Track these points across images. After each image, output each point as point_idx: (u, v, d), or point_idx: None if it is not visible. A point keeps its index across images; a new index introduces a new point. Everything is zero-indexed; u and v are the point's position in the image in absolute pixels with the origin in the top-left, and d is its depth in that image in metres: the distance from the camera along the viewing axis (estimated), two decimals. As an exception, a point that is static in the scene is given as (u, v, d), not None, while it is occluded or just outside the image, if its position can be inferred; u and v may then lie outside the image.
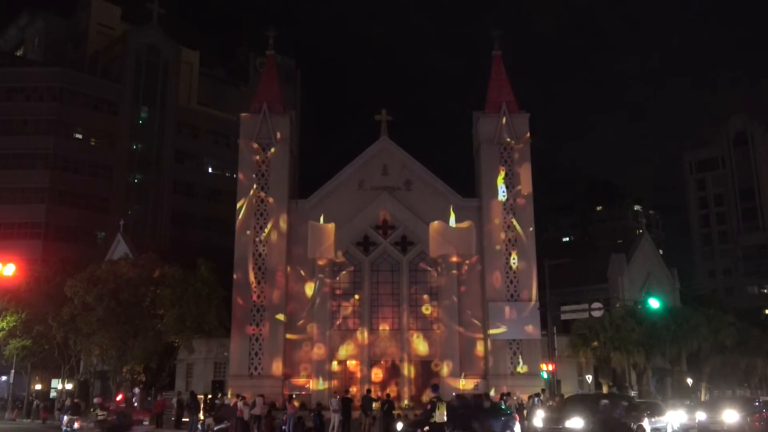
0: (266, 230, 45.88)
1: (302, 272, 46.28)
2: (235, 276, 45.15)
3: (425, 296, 46.49)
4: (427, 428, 23.95)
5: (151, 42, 75.85)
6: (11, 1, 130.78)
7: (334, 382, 44.44)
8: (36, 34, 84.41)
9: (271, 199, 46.35)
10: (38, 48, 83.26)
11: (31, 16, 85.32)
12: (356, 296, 46.22)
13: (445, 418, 21.93)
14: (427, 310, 46.28)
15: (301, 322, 45.55)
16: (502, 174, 46.85)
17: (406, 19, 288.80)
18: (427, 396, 44.25)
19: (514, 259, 45.56)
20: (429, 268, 46.44)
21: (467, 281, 46.11)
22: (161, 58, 76.07)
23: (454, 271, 45.74)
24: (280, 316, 44.84)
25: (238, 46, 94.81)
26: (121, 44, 75.64)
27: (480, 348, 45.21)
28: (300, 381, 44.30)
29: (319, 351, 44.69)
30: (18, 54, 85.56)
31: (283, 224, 46.11)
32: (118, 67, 74.55)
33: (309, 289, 46.00)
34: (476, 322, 45.51)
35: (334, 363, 45.33)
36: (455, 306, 45.38)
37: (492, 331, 44.36)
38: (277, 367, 44.04)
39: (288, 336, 45.05)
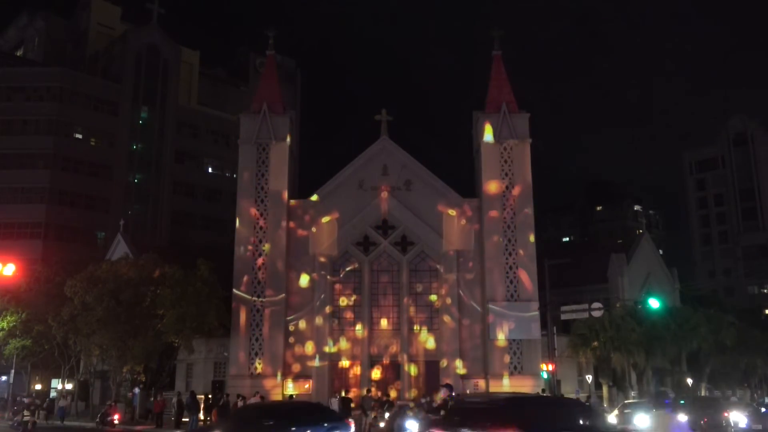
0: (266, 230, 45.85)
1: (302, 272, 46.26)
2: (234, 276, 45.14)
3: (425, 296, 46.48)
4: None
5: (151, 42, 75.87)
6: (11, 1, 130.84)
7: (334, 382, 44.47)
8: (36, 34, 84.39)
9: (270, 199, 46.33)
10: (38, 48, 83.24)
11: (31, 16, 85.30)
12: (356, 296, 46.22)
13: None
14: (427, 309, 46.28)
15: (301, 322, 45.53)
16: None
17: (407, 19, 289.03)
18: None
19: (514, 259, 45.54)
20: (437, 266, 46.39)
21: (467, 281, 46.09)
22: (161, 58, 76.08)
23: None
24: (281, 316, 44.81)
25: (238, 46, 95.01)
26: (121, 44, 75.65)
27: (480, 348, 45.18)
28: (300, 381, 44.25)
29: (319, 351, 44.68)
30: (18, 54, 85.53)
31: (283, 224, 46.09)
32: (118, 67, 74.53)
33: (309, 288, 45.98)
34: (476, 322, 45.49)
35: (334, 363, 45.31)
36: (455, 306, 45.38)
37: (492, 331, 44.35)
38: (277, 367, 44.03)
39: (288, 336, 45.04)
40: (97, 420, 41.42)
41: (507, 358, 44.09)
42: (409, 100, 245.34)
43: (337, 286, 46.58)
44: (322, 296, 45.59)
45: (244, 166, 47.15)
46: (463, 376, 44.05)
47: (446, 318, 45.36)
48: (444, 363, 44.72)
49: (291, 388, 43.39)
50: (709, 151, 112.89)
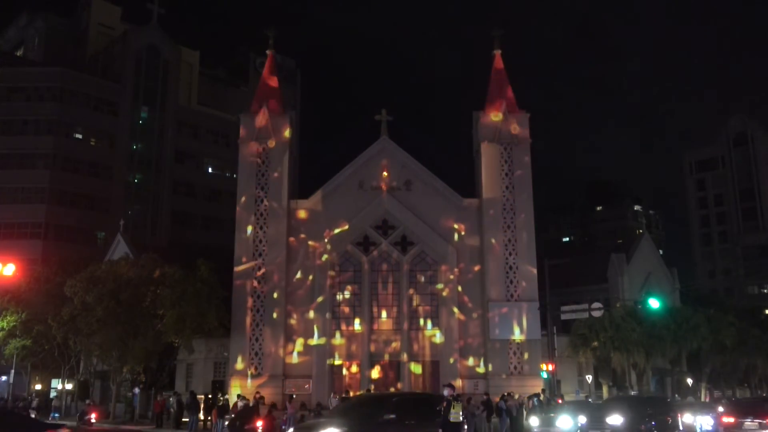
0: (266, 230, 45.85)
1: (302, 272, 46.24)
2: (234, 276, 45.13)
3: (425, 296, 46.45)
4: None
5: (151, 42, 75.89)
6: (11, 1, 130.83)
7: (335, 382, 44.47)
8: (36, 34, 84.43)
9: (270, 199, 46.33)
10: (38, 48, 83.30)
11: (31, 16, 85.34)
12: (356, 295, 46.18)
13: (461, 418, 21.76)
14: (426, 309, 46.25)
15: (301, 321, 45.52)
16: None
17: (407, 18, 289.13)
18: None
19: (514, 259, 45.54)
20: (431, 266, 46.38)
21: (467, 281, 46.09)
22: (161, 58, 76.11)
23: (456, 270, 45.72)
24: (281, 317, 44.80)
25: (238, 46, 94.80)
26: (121, 44, 75.67)
27: (480, 348, 45.16)
28: (300, 380, 44.22)
29: (319, 351, 44.67)
30: (18, 54, 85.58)
31: (282, 224, 46.09)
32: (118, 67, 74.58)
33: (310, 289, 45.95)
34: (476, 322, 45.47)
35: (335, 362, 45.31)
36: (455, 306, 45.36)
37: (492, 331, 44.33)
38: (277, 367, 44.03)
39: (288, 336, 45.03)
40: (77, 419, 42.25)
41: (507, 358, 44.05)
42: (409, 100, 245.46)
43: (337, 286, 46.52)
44: (323, 296, 45.56)
45: (244, 166, 47.15)
46: (464, 376, 44.02)
47: (446, 318, 45.31)
48: (451, 360, 44.60)
49: (291, 388, 43.34)
50: (709, 151, 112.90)
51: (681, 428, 28.00)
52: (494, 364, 44.03)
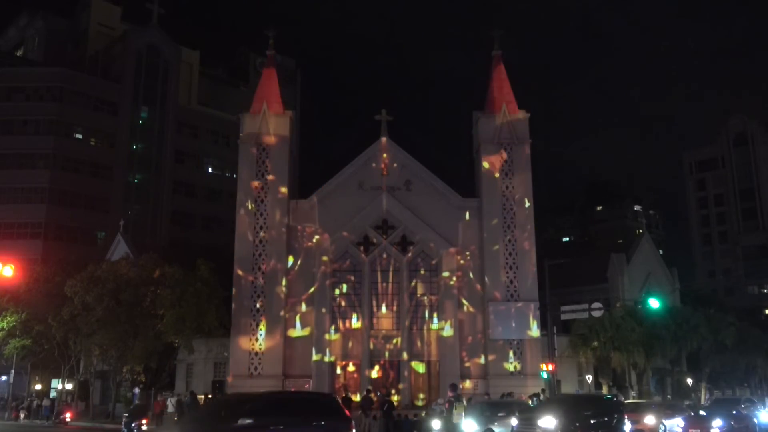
0: (266, 230, 45.85)
1: (302, 271, 46.21)
2: (235, 276, 45.14)
3: (425, 296, 46.43)
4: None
5: (151, 42, 75.93)
6: (11, 1, 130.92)
7: (335, 382, 44.46)
8: (36, 34, 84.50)
9: (270, 199, 46.33)
10: (38, 48, 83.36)
11: (31, 16, 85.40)
12: (355, 294, 46.17)
13: (462, 419, 21.63)
14: (426, 309, 46.23)
15: (301, 320, 45.52)
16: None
17: (407, 18, 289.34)
18: (423, 396, 44.43)
19: (514, 259, 45.52)
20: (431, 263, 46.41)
21: (467, 281, 46.08)
22: (161, 58, 76.14)
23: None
24: (280, 316, 44.80)
25: (238, 46, 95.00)
26: (121, 44, 75.72)
27: (480, 348, 45.16)
28: (300, 380, 44.20)
29: (318, 351, 44.66)
30: (18, 54, 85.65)
31: (282, 224, 46.09)
32: (118, 67, 74.60)
33: (309, 287, 45.93)
34: (476, 322, 45.47)
35: (334, 363, 45.31)
36: (455, 306, 45.34)
37: (492, 331, 44.33)
38: (277, 367, 44.02)
39: (288, 336, 45.04)
40: (53, 418, 42.96)
41: (507, 358, 44.04)
42: (409, 100, 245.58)
43: (337, 285, 46.46)
44: (322, 295, 45.49)
45: (244, 166, 47.17)
46: (464, 376, 43.97)
47: (446, 318, 45.24)
48: (452, 360, 44.44)
49: (290, 388, 43.33)
50: (709, 152, 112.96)
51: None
52: (494, 364, 43.99)
